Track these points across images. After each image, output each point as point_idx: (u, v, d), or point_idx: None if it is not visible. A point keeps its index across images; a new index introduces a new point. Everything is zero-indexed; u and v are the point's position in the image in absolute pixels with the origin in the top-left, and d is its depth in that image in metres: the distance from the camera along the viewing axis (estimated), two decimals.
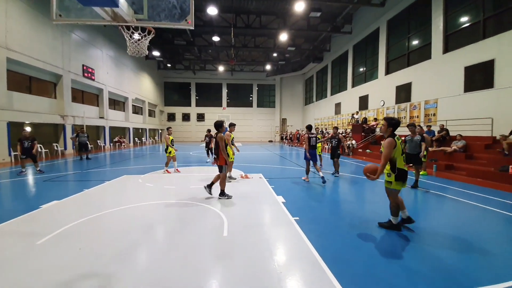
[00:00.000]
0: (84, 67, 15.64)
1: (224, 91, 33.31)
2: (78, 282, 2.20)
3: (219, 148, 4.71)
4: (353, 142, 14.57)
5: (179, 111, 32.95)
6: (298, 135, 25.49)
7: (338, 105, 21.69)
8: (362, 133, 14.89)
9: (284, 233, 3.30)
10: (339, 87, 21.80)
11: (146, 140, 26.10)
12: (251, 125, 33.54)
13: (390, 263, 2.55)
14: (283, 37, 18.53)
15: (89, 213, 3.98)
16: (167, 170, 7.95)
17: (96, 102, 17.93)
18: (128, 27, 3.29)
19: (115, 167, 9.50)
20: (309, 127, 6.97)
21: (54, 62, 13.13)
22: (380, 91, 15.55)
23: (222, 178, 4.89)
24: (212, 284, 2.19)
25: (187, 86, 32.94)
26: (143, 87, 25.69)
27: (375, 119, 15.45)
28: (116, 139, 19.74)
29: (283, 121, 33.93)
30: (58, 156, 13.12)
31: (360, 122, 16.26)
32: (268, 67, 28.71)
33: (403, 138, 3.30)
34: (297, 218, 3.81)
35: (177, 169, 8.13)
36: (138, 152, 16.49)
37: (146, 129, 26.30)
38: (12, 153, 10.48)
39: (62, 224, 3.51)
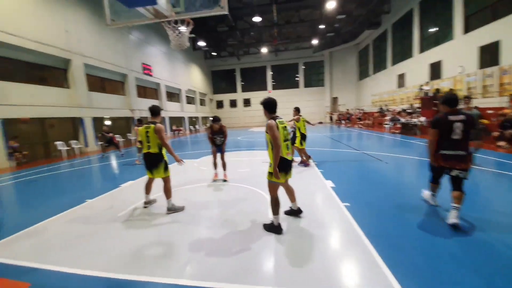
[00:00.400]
0: (143, 65, 17.78)
1: (269, 74, 32.91)
2: (148, 247, 2.70)
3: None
4: (422, 119, 12.56)
5: (226, 98, 34.45)
6: (347, 115, 23.53)
7: (401, 77, 18.79)
8: (434, 108, 12.63)
9: (333, 219, 3.21)
10: (402, 55, 18.72)
11: (199, 127, 28.55)
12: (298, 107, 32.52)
13: (445, 256, 2.21)
14: (331, 4, 16.75)
15: (156, 193, 4.70)
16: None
17: (155, 95, 20.37)
18: (169, 22, 3.54)
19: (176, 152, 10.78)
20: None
21: (119, 63, 15.34)
22: (457, 55, 12.67)
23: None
24: (263, 262, 2.35)
25: (232, 72, 33.85)
26: (193, 78, 27.73)
27: (451, 90, 12.81)
28: (174, 128, 22.24)
29: (334, 100, 31.65)
30: (131, 144, 15.69)
31: (430, 95, 13.78)
32: (315, 42, 26.66)
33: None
34: (348, 204, 3.63)
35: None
36: (193, 139, 18.24)
37: (198, 117, 28.68)
38: (98, 143, 13.08)
39: (136, 201, 4.27)
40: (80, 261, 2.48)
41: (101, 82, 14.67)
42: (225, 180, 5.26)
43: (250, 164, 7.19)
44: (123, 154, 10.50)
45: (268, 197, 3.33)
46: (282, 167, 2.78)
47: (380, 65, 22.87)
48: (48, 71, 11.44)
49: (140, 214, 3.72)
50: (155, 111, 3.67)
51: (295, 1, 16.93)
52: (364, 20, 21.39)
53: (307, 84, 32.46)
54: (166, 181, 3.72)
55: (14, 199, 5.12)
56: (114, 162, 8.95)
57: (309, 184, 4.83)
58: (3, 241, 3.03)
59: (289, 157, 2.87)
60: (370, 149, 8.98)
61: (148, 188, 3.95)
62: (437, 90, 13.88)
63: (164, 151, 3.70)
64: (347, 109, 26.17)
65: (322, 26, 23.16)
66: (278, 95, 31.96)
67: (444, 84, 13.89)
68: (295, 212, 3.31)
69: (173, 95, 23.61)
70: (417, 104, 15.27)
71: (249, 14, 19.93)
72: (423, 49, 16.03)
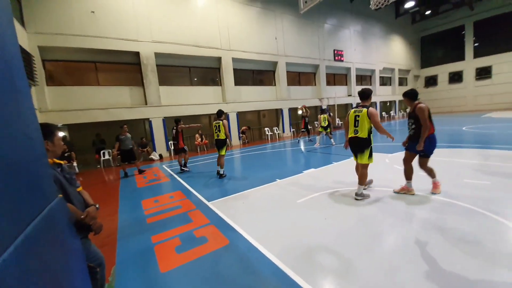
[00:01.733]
0: (335, 51, 18.22)
1: None
2: (315, 244, 2.53)
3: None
4: None
5: (444, 70, 25.97)
6: None
7: None
8: None
9: None
10: None
11: (395, 113, 24.47)
12: None
13: None
14: None
15: (335, 186, 4.53)
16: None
17: (344, 81, 20.28)
18: None
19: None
20: None
21: (313, 55, 16.91)
22: None
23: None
24: None
25: (459, 32, 24.51)
26: (392, 53, 23.95)
27: None
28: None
29: None
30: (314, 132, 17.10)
31: None
32: None
33: None
34: None
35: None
36: (386, 127, 15.96)
37: (395, 101, 24.60)
38: (292, 130, 15.70)
39: (316, 190, 4.38)
40: (263, 237, 2.90)
41: (297, 76, 17.21)
42: (433, 193, 3.77)
43: (479, 171, 4.67)
44: (311, 140, 11.99)
45: None
46: None
47: None
48: (263, 74, 15.46)
49: (318, 203, 3.71)
50: (365, 94, 3.71)
51: None
52: None
53: None
54: (365, 167, 3.75)
55: (238, 167, 7.48)
56: (303, 148, 10.14)
57: None
58: (223, 198, 4.45)
59: None
60: None
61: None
62: None
63: (372, 136, 3.67)
64: None
65: None
66: None
67: None
68: None
69: (364, 78, 22.08)
70: None
71: None
72: None
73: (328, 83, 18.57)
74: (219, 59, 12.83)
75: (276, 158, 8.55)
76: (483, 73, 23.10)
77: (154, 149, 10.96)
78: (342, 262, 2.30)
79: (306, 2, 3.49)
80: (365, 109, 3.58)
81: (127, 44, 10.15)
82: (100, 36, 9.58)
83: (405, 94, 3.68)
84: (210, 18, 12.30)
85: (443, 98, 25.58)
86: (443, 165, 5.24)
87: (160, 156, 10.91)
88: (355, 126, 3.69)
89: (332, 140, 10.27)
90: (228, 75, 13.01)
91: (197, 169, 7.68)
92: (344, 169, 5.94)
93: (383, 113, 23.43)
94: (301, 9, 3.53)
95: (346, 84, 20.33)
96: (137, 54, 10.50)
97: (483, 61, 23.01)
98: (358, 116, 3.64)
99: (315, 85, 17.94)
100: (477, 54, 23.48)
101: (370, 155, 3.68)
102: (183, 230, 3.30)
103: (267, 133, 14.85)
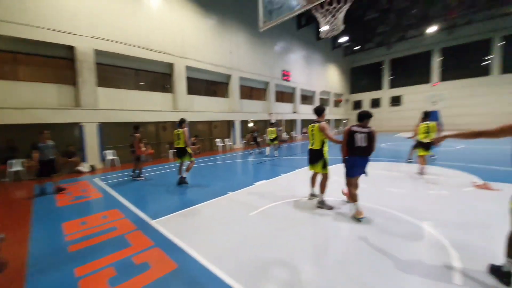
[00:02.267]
0: (283, 72, 19.53)
1: (435, 60, 25.40)
2: (269, 258, 2.44)
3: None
4: None
5: (367, 97, 30.70)
6: None
7: None
8: None
9: None
10: None
11: (331, 130, 27.43)
12: (487, 104, 22.56)
13: None
14: None
15: (284, 198, 4.61)
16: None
17: (291, 99, 21.80)
18: (322, 6, 3.20)
19: (304, 155, 10.74)
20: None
21: (264, 73, 17.72)
22: None
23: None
24: None
25: (378, 66, 29.52)
26: (329, 79, 27.09)
27: None
28: (304, 130, 22.75)
29: None
30: (264, 144, 17.68)
31: None
32: None
33: None
34: None
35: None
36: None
37: (332, 119, 27.61)
38: (242, 141, 15.82)
39: (267, 203, 4.36)
40: (215, 256, 2.65)
41: (250, 91, 17.66)
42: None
43: (396, 180, 5.49)
44: (261, 152, 12.14)
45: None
46: None
47: None
48: (216, 86, 15.32)
49: (268, 216, 3.67)
50: (318, 110, 4.08)
51: None
52: None
53: (508, 69, 21.69)
54: (324, 176, 4.05)
55: (188, 180, 6.97)
56: (255, 159, 10.22)
57: None
58: (170, 215, 4.00)
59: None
60: None
61: (313, 181, 4.50)
62: None
63: (326, 148, 4.01)
64: None
65: None
66: (448, 87, 24.04)
67: None
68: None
69: (306, 98, 24.22)
70: None
71: None
72: None
73: (277, 99, 19.62)
74: (171, 65, 12.13)
75: (227, 170, 8.35)
76: (396, 100, 28.22)
77: (84, 160, 9.27)
78: (294, 274, 2.26)
79: (265, 22, 3.59)
80: (317, 124, 3.97)
81: (60, 36, 8.62)
82: (28, 24, 7.91)
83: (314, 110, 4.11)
84: (164, 23, 11.63)
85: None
86: (372, 175, 5.98)
87: (92, 167, 9.25)
88: (311, 139, 4.09)
89: (276, 152, 10.80)
90: (180, 82, 12.38)
91: (142, 181, 6.84)
92: (293, 179, 6.18)
93: None
94: (260, 28, 3.61)
95: (292, 102, 21.86)
96: (71, 48, 9.01)
97: (396, 91, 28.18)
98: (313, 130, 4.03)
99: (265, 100, 18.69)
100: (392, 85, 28.65)
101: (324, 166, 4.00)
102: (119, 257, 2.77)
103: (218, 144, 14.54)
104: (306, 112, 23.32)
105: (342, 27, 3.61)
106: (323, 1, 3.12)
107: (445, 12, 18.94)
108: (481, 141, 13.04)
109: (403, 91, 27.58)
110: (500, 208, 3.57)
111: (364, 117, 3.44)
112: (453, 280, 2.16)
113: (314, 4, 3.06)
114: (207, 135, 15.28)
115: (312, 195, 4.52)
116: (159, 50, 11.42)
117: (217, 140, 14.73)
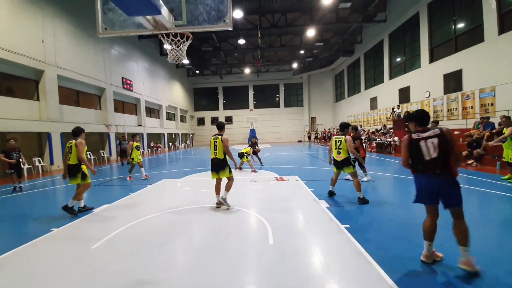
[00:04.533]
0: (124, 80, 17.06)
1: (251, 93, 33.61)
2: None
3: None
4: (396, 138, 13.38)
5: (208, 115, 34.17)
6: (329, 134, 24.48)
7: (374, 100, 20.25)
8: (406, 129, 13.62)
9: (336, 242, 3.02)
10: (374, 80, 20.37)
11: (179, 144, 27.52)
12: (279, 126, 33.28)
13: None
14: (310, 33, 18.00)
15: (136, 218, 4.15)
16: (130, 177, 7.98)
17: (134, 111, 19.43)
18: (168, 35, 3.36)
19: (154, 171, 10.06)
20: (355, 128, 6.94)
21: (98, 77, 14.53)
22: (424, 81, 14.08)
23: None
24: None
25: (215, 90, 34.01)
26: (175, 95, 27.21)
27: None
28: (152, 145, 21.12)
29: (312, 120, 32.94)
30: (105, 162, 14.42)
31: (402, 117, 14.91)
32: (295, 65, 28.25)
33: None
34: (347, 225, 3.48)
35: (145, 175, 8.12)
36: (172, 156, 17.39)
37: (179, 134, 27.75)
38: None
39: (113, 229, 3.68)
40: None
41: (76, 96, 13.66)
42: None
43: (239, 183, 6.87)
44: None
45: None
46: None
47: (354, 89, 24.59)
48: (16, 82, 10.38)
49: (118, 243, 3.18)
50: (219, 126, 4.61)
51: (278, 27, 17.89)
52: (340, 48, 23.23)
53: (287, 104, 33.60)
54: (230, 179, 4.52)
55: None
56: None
57: (301, 203, 4.65)
58: None
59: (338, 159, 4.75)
60: None
61: (218, 189, 4.57)
62: (408, 113, 15.09)
63: (227, 157, 4.50)
64: (328, 128, 27.24)
65: (302, 52, 24.67)
66: (259, 113, 32.46)
67: (412, 108, 15.18)
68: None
69: (153, 111, 22.76)
70: (389, 125, 16.35)
71: (233, 36, 20.57)
72: (392, 75, 17.60)
73: (117, 109, 16.69)
74: None
75: (42, 199, 5.94)
76: (229, 120, 33.81)
77: None
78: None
79: (106, 28, 3.16)
80: (220, 137, 4.44)
81: None
82: None
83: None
84: None
85: (209, 134, 33.28)
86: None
87: None
88: (214, 149, 4.46)
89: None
90: None
91: None
92: (143, 197, 5.64)
93: (170, 143, 25.32)
94: (99, 33, 3.13)
95: (136, 114, 19.56)
96: None
97: (229, 113, 33.82)
98: (216, 141, 4.44)
99: (100, 109, 15.24)
100: (226, 107, 34.10)
101: (230, 171, 4.52)
102: None
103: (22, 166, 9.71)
104: (153, 125, 21.81)
105: (185, 58, 4.03)
106: (169, 32, 3.31)
107: (254, 61, 25.88)
108: (283, 149, 18.83)
109: (233, 113, 33.74)
110: (290, 190, 5.57)
111: (420, 119, 2.51)
112: (269, 241, 3.13)
113: (161, 32, 3.19)
114: None
115: (219, 203, 4.56)
116: None
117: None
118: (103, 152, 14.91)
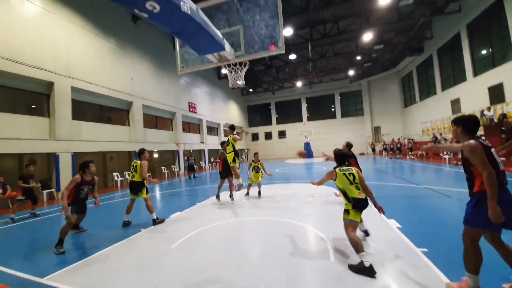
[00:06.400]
0: (190, 104, 19.87)
1: (304, 106, 33.44)
2: (204, 283, 2.61)
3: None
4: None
5: (261, 130, 35.50)
6: (398, 145, 21.82)
7: (455, 102, 17.16)
8: (502, 135, 10.98)
9: (410, 265, 2.75)
10: (454, 79, 17.40)
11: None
12: (336, 138, 31.45)
13: None
14: (367, 36, 17.10)
15: (203, 224, 4.75)
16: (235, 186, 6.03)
17: (198, 130, 22.12)
18: (229, 64, 3.97)
19: (214, 184, 11.09)
20: None
21: (170, 103, 17.41)
22: None
23: None
24: None
25: (267, 106, 35.33)
26: (231, 113, 29.68)
27: None
28: (211, 160, 23.29)
29: (376, 129, 30.00)
30: (175, 175, 16.71)
31: (496, 121, 12.14)
32: (351, 72, 26.87)
33: None
34: (425, 249, 3.09)
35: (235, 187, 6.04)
36: None
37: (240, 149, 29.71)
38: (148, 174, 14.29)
39: (186, 232, 4.34)
40: None
41: (155, 120, 16.65)
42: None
43: (295, 197, 6.90)
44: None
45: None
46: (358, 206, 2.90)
47: (428, 91, 21.44)
48: (113, 112, 13.53)
49: (191, 244, 3.73)
50: (141, 152, 5.24)
51: (330, 37, 17.67)
52: (405, 47, 21.02)
53: (345, 114, 31.79)
54: (148, 199, 5.09)
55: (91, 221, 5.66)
56: (164, 192, 9.50)
57: (367, 222, 4.33)
58: (68, 268, 3.29)
59: (362, 196, 2.99)
60: (432, 183, 7.91)
61: (129, 209, 5.13)
62: (504, 115, 12.17)
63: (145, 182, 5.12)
64: (398, 138, 24.33)
65: (358, 57, 23.41)
66: (313, 126, 31.72)
67: (509, 109, 12.20)
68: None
69: (212, 129, 25.33)
70: (480, 132, 13.44)
71: (284, 53, 21.40)
72: (477, 72, 14.72)
73: (184, 130, 19.41)
74: (50, 84, 9.84)
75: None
76: (282, 134, 34.26)
77: None
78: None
79: (183, 67, 4.01)
80: (139, 162, 5.15)
81: None
82: None
83: None
84: (41, 36, 9.53)
85: (263, 149, 34.36)
86: (269, 194, 7.12)
87: None
88: (133, 172, 5.16)
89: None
90: (63, 106, 10.11)
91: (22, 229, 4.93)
92: (208, 207, 6.34)
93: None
94: (178, 72, 3.99)
95: (199, 133, 22.21)
96: None
97: (281, 127, 34.36)
98: (136, 166, 5.12)
99: (172, 130, 18.06)
100: (278, 122, 34.82)
101: (147, 192, 5.15)
102: None
103: (116, 178, 12.41)
104: (213, 142, 24.15)
105: (243, 83, 4.56)
106: (230, 63, 3.87)
107: (306, 73, 25.96)
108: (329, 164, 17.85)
109: (286, 127, 34.06)
110: None
111: (470, 126, 2.20)
112: (330, 258, 3.09)
113: (224, 63, 3.77)
114: (100, 168, 12.80)
115: (127, 222, 5.06)
116: (34, 65, 9.15)
117: (115, 174, 12.58)
118: (173, 167, 17.37)
